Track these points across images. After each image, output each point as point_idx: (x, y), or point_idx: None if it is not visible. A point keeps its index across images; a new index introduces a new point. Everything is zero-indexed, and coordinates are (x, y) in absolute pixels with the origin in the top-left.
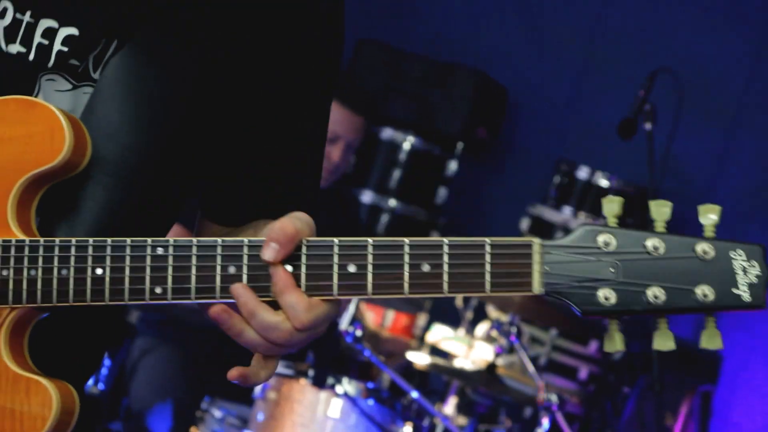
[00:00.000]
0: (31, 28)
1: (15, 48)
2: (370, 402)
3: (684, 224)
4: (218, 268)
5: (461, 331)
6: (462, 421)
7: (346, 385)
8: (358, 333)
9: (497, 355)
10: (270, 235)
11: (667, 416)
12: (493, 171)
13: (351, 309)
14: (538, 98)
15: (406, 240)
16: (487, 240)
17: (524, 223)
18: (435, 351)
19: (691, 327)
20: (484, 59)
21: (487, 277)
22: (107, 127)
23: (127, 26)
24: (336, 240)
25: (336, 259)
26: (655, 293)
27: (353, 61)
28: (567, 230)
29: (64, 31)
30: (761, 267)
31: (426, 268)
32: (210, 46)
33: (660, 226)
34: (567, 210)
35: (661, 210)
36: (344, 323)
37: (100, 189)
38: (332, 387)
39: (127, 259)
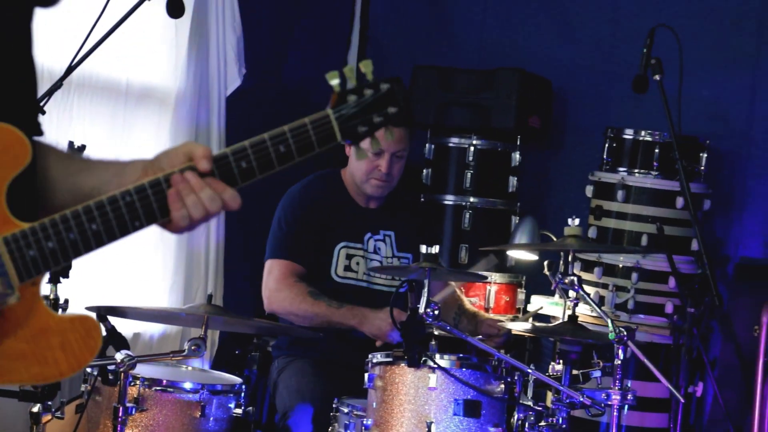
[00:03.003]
0: None
1: None
2: (463, 369)
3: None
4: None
5: (556, 297)
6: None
7: (439, 360)
8: (436, 312)
9: (575, 305)
10: (198, 154)
11: (755, 329)
12: (552, 152)
13: (425, 293)
14: (578, 81)
15: (266, 135)
16: (306, 120)
17: (589, 190)
18: (538, 319)
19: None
20: (525, 60)
21: (314, 139)
22: None
23: None
24: (228, 150)
25: (233, 162)
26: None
27: (411, 85)
28: (626, 188)
29: None
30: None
31: (282, 149)
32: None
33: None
34: (622, 169)
35: (368, 69)
36: (422, 307)
37: None
38: (427, 364)
39: (108, 210)
